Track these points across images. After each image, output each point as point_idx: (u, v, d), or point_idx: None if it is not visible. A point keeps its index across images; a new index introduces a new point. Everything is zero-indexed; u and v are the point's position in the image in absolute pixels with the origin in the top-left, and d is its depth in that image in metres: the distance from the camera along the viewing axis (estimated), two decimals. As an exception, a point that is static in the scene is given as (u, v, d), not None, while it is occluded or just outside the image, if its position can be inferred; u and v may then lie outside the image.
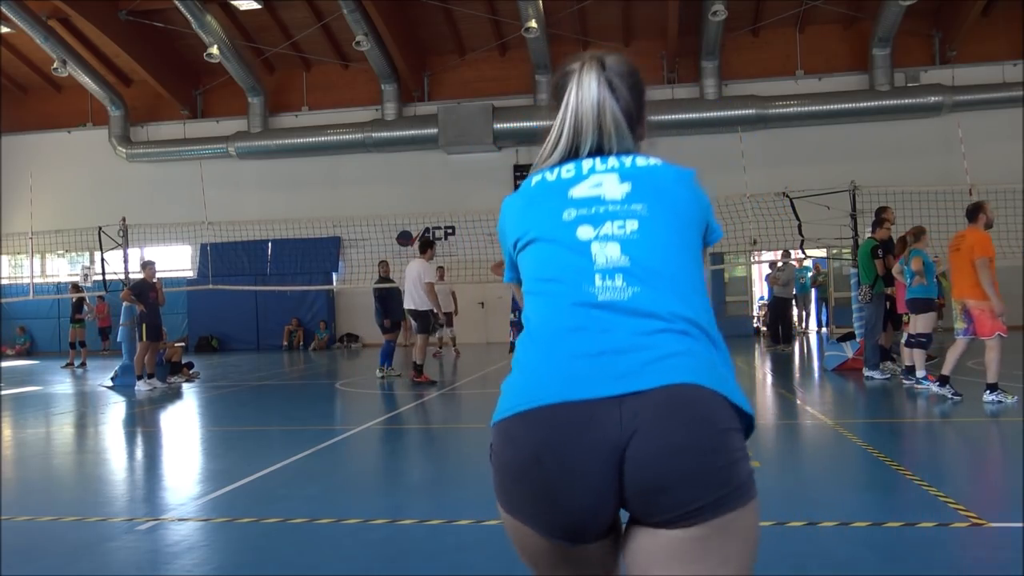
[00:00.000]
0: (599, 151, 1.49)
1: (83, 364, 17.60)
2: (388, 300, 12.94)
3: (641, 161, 1.48)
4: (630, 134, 1.50)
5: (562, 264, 1.37)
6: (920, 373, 8.90)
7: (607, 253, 1.36)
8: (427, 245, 11.59)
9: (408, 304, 11.54)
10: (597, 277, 1.34)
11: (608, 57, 1.53)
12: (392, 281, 13.22)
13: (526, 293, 1.44)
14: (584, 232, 1.38)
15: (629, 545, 1.34)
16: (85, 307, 18.07)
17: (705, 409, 1.28)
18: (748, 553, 1.32)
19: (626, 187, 1.43)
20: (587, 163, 1.48)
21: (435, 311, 11.55)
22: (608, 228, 1.38)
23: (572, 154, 1.50)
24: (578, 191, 1.44)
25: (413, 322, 11.72)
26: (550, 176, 1.49)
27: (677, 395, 1.27)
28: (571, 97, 1.49)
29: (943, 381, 7.97)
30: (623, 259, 1.35)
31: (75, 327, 18.04)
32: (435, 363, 15.09)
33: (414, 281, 11.35)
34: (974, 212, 7.91)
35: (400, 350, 13.35)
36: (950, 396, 7.88)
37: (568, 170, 1.48)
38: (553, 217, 1.42)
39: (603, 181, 1.44)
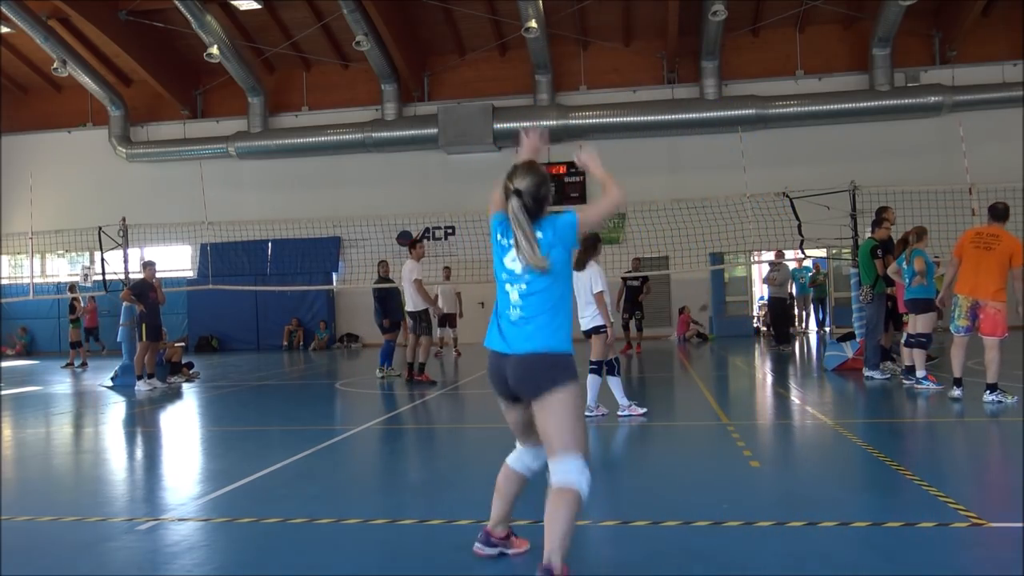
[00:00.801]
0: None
1: (83, 364, 17.61)
2: (388, 300, 12.91)
3: (537, 236, 3.21)
4: (535, 217, 3.23)
5: (502, 299, 3.33)
6: (920, 373, 8.89)
7: (513, 298, 3.26)
8: (413, 244, 11.56)
9: (408, 306, 11.51)
10: (510, 308, 3.27)
11: (522, 183, 3.22)
12: (392, 281, 13.20)
13: (497, 296, 3.39)
14: (508, 287, 3.30)
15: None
16: (77, 308, 18.06)
17: (537, 363, 3.17)
18: (574, 405, 3.19)
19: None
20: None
21: (432, 308, 11.50)
22: (517, 287, 3.26)
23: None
24: (508, 261, 3.30)
25: (411, 323, 11.67)
26: (504, 242, 3.34)
27: (525, 358, 3.18)
28: (508, 210, 3.25)
29: (957, 383, 7.91)
30: (519, 301, 3.25)
31: (74, 327, 18.05)
32: (435, 363, 15.09)
33: (408, 282, 11.34)
34: (1006, 212, 7.62)
35: (400, 350, 13.33)
36: (960, 397, 7.84)
37: (511, 241, 3.30)
38: (500, 274, 3.33)
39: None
